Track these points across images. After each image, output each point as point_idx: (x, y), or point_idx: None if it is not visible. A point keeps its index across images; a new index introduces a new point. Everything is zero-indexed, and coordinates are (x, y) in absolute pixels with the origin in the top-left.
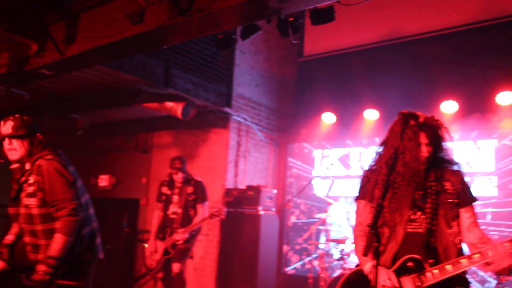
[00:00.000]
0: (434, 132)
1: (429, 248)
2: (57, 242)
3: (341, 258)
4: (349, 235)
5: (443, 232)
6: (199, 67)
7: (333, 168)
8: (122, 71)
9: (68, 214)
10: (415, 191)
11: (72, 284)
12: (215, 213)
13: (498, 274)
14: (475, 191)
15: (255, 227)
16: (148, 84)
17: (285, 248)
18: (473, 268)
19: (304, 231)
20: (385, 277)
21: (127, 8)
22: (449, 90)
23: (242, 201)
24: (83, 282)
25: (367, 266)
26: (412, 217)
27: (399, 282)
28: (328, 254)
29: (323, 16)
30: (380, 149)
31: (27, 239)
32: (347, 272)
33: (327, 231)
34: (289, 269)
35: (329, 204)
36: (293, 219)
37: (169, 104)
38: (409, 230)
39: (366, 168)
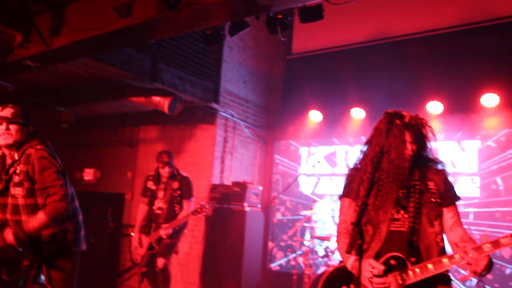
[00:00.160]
0: (418, 130)
1: (412, 247)
2: (37, 221)
3: (326, 255)
4: (334, 232)
5: (425, 231)
6: (187, 62)
7: (319, 166)
8: (109, 65)
9: (59, 200)
10: (399, 189)
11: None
12: (197, 210)
13: (477, 274)
14: (458, 191)
15: (241, 223)
16: (135, 78)
17: (270, 244)
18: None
19: (289, 228)
20: (369, 268)
21: (115, 1)
22: (434, 91)
23: (227, 197)
24: (70, 272)
25: (350, 262)
26: (396, 216)
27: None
28: (312, 251)
29: (312, 14)
30: (365, 148)
31: (12, 230)
32: (330, 268)
33: (312, 228)
34: (274, 266)
35: (315, 201)
36: (278, 216)
37: (156, 98)
38: (392, 228)
39: (351, 166)
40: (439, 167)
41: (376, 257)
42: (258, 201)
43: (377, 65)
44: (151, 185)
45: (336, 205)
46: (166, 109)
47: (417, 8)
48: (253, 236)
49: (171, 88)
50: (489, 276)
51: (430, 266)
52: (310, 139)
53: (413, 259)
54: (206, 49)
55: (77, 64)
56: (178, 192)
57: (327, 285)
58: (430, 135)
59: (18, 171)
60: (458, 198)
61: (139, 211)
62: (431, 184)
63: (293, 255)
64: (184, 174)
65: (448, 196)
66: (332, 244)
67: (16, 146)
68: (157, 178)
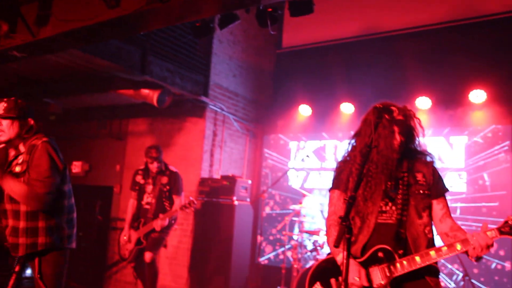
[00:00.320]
0: (407, 122)
1: (399, 239)
2: (20, 185)
3: (314, 250)
4: (323, 227)
5: (413, 222)
6: (176, 55)
7: (308, 160)
8: (97, 57)
9: (44, 193)
10: (387, 180)
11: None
12: (186, 205)
13: (476, 258)
14: (447, 182)
15: (230, 217)
16: (124, 70)
17: (259, 238)
18: (442, 261)
19: (278, 222)
20: (355, 275)
21: None
22: (423, 86)
23: (216, 191)
24: (61, 268)
25: (340, 257)
26: (384, 208)
27: (368, 274)
28: (301, 245)
29: (302, 8)
30: (354, 140)
31: (9, 221)
32: (319, 260)
33: (301, 222)
34: (263, 259)
35: (304, 195)
36: (267, 209)
37: (145, 91)
38: (380, 221)
39: (340, 159)
40: (428, 159)
41: (364, 249)
42: (247, 195)
43: (366, 60)
44: (139, 179)
45: (325, 200)
46: (155, 102)
47: (406, 4)
48: (242, 230)
49: (160, 81)
50: (474, 270)
51: (417, 258)
52: (299, 133)
53: (400, 251)
54: (196, 42)
55: (65, 56)
56: (167, 187)
57: (316, 276)
58: (418, 127)
59: (20, 161)
60: (446, 190)
61: (129, 206)
62: (419, 176)
63: (282, 249)
64: (173, 169)
65: (437, 188)
66: (321, 238)
67: (16, 140)
68: (146, 172)
